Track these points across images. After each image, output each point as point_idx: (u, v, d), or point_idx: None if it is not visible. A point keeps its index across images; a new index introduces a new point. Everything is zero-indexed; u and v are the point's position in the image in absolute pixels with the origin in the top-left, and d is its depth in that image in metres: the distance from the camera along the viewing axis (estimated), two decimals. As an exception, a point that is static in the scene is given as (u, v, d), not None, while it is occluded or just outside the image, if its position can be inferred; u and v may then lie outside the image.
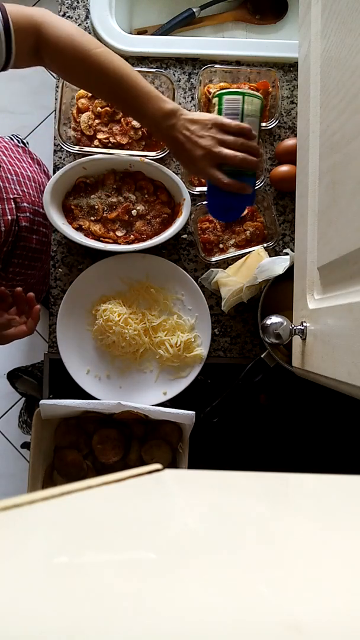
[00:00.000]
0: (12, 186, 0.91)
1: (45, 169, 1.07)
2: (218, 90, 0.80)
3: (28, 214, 0.93)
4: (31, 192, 0.95)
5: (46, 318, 0.98)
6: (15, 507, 0.26)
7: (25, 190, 0.94)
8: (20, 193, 0.92)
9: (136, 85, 0.71)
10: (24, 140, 1.05)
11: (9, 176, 0.91)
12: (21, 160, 0.98)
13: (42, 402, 0.84)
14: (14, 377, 1.13)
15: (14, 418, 1.66)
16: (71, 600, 0.18)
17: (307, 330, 0.55)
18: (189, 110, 0.96)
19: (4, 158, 0.93)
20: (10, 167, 0.93)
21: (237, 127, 0.72)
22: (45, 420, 0.86)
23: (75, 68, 0.72)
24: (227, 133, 0.72)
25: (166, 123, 0.72)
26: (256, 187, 0.91)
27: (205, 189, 0.92)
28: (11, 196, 0.90)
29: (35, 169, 1.01)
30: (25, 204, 0.92)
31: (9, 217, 0.89)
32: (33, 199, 0.95)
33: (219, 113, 0.75)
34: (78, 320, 0.93)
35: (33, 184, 0.97)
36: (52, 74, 0.95)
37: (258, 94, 0.77)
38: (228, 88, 0.93)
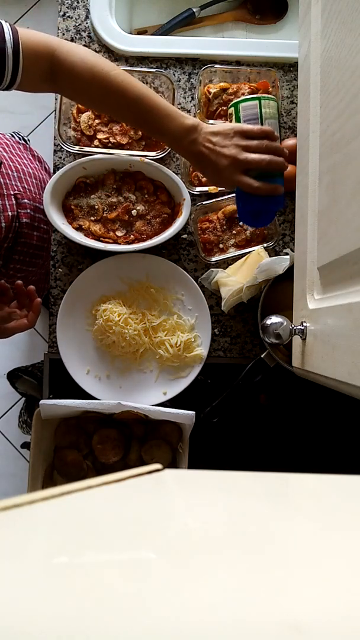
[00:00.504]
0: (13, 182, 0.91)
1: (47, 166, 1.07)
2: (233, 100, 0.79)
3: (29, 211, 0.93)
4: (32, 188, 0.95)
5: (46, 318, 0.98)
6: (15, 507, 0.26)
7: (26, 186, 0.94)
8: (21, 189, 0.92)
9: (156, 105, 0.71)
10: (25, 138, 1.06)
11: (10, 172, 0.91)
12: (22, 157, 0.98)
13: (42, 402, 0.84)
14: (14, 377, 1.13)
15: (14, 418, 1.66)
16: (71, 600, 0.18)
17: (307, 330, 0.55)
18: (189, 111, 0.96)
19: (5, 155, 0.93)
20: (11, 164, 0.93)
21: (260, 131, 0.72)
22: (45, 420, 0.86)
23: (93, 91, 0.72)
24: (250, 138, 0.72)
25: (188, 139, 0.72)
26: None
27: (205, 189, 0.92)
28: (12, 192, 0.90)
29: (36, 166, 1.01)
30: (26, 201, 0.92)
31: (10, 214, 0.89)
32: (34, 195, 0.95)
33: (237, 121, 0.75)
34: (78, 320, 0.93)
35: (34, 180, 0.97)
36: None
37: (272, 96, 0.77)
38: (228, 88, 0.93)
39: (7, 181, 0.90)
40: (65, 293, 0.92)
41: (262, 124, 0.74)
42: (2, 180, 0.89)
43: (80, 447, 0.87)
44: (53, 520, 0.27)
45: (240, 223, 0.92)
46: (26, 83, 0.70)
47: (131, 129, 0.91)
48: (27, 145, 1.04)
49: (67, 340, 0.91)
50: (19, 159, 0.96)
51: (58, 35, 0.97)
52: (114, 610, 0.17)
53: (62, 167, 0.91)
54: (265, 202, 0.73)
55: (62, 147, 0.94)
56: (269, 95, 0.76)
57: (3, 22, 0.67)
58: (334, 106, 0.48)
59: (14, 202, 0.91)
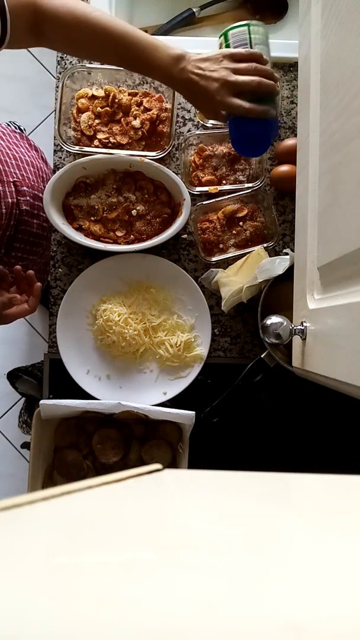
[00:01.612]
0: (11, 170, 0.91)
1: (43, 155, 1.07)
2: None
3: (28, 198, 0.93)
4: (30, 176, 0.95)
5: (46, 318, 0.98)
6: (15, 507, 0.26)
7: (24, 174, 0.94)
8: (20, 177, 0.92)
9: (141, 39, 0.71)
10: (21, 127, 1.06)
11: (8, 160, 0.91)
12: (19, 145, 0.98)
13: (42, 402, 0.84)
14: (14, 377, 1.13)
15: (14, 418, 1.66)
16: (71, 600, 0.18)
17: (307, 330, 0.55)
18: (189, 111, 0.96)
19: (2, 143, 0.93)
20: (8, 152, 0.93)
21: (248, 53, 0.71)
22: (45, 420, 0.86)
23: (77, 35, 0.72)
24: (239, 62, 0.71)
25: (177, 68, 0.71)
26: (256, 187, 0.92)
27: (205, 188, 0.92)
28: (11, 179, 0.90)
29: (33, 155, 1.01)
30: (25, 188, 0.92)
31: (10, 200, 0.89)
32: (32, 183, 0.95)
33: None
34: (78, 320, 0.93)
35: (32, 169, 0.97)
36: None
37: (261, 22, 0.75)
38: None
39: (6, 168, 0.90)
40: (65, 293, 0.92)
41: (252, 49, 0.73)
42: (0, 167, 0.89)
43: (80, 447, 0.87)
44: (53, 520, 0.27)
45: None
46: (14, 38, 0.69)
47: (131, 129, 0.91)
48: (24, 135, 1.04)
49: (67, 340, 0.91)
50: (15, 147, 0.96)
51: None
52: (114, 610, 0.17)
53: (62, 167, 0.91)
54: (259, 126, 0.72)
55: (62, 147, 0.94)
56: (259, 22, 0.75)
57: None
58: (334, 106, 0.48)
59: (13, 189, 0.91)
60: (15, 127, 1.04)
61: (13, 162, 0.92)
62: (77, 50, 0.78)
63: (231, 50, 0.72)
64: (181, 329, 0.91)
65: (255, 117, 0.71)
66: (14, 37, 0.69)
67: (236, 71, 0.70)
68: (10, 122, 1.04)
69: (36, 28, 0.71)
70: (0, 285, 0.85)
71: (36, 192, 0.96)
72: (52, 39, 0.74)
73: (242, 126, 0.73)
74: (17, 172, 0.92)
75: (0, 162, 0.89)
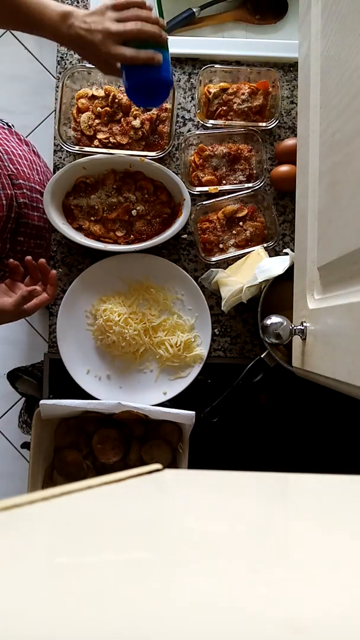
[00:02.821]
0: (5, 164, 0.91)
1: (35, 149, 1.07)
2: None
3: (25, 191, 0.93)
4: (25, 169, 0.95)
5: (46, 318, 0.98)
6: (15, 507, 0.26)
7: (18, 168, 0.94)
8: (14, 171, 0.92)
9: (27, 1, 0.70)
10: (9, 123, 1.06)
11: (0, 155, 0.92)
12: (9, 140, 0.98)
13: (42, 402, 0.84)
14: (14, 377, 1.13)
15: (14, 418, 1.66)
16: (71, 600, 0.18)
17: (307, 330, 0.55)
18: (189, 111, 0.96)
19: None
20: (14, 145, 0.93)
21: (127, 1, 0.71)
22: (45, 420, 0.86)
23: None
24: (121, 10, 0.71)
25: (65, 25, 0.71)
26: (256, 187, 0.91)
27: (205, 188, 0.92)
28: (6, 172, 0.91)
29: (25, 149, 1.01)
30: (21, 181, 0.92)
31: (8, 192, 0.89)
32: (28, 176, 0.95)
33: None
34: (78, 320, 0.93)
35: (25, 162, 0.97)
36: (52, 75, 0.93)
37: None
38: (228, 88, 0.93)
39: (1, 162, 0.90)
40: (65, 293, 0.92)
41: None
42: None
43: (80, 447, 0.87)
44: (53, 520, 0.27)
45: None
46: None
47: (131, 129, 0.91)
48: (12, 130, 1.04)
49: (67, 340, 0.91)
50: (6, 142, 0.96)
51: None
52: (114, 610, 0.17)
53: (62, 167, 0.91)
54: (148, 73, 0.71)
55: (62, 147, 0.94)
56: None
57: None
58: (334, 106, 0.48)
59: (10, 181, 0.91)
60: (3, 123, 1.04)
61: (5, 156, 0.92)
62: None
63: (113, 0, 0.71)
64: (181, 329, 0.91)
65: (142, 64, 0.71)
66: None
67: (118, 20, 0.70)
68: None
69: None
70: (14, 277, 0.85)
71: (32, 185, 0.95)
72: None
73: (132, 75, 0.72)
74: (11, 165, 0.92)
75: None
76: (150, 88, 0.74)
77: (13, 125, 1.06)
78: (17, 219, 0.93)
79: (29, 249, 0.99)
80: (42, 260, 0.84)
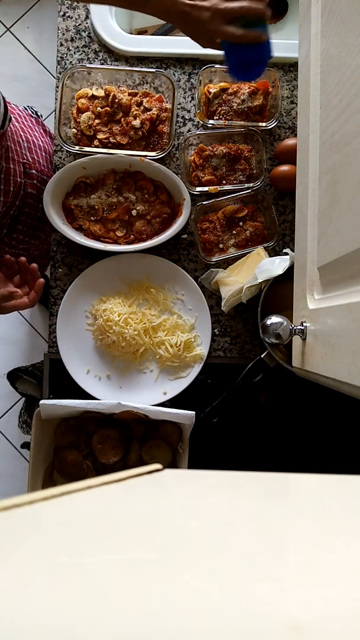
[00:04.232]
0: (22, 152, 0.92)
1: None
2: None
3: (35, 181, 0.94)
4: (41, 161, 0.96)
5: (46, 318, 0.99)
6: (15, 507, 0.26)
7: (35, 157, 0.94)
8: (30, 160, 0.93)
9: None
10: (38, 113, 1.06)
11: (20, 141, 0.92)
12: (33, 129, 0.99)
13: (42, 402, 0.84)
14: (14, 377, 1.13)
15: (14, 418, 1.66)
16: (71, 600, 0.18)
17: (307, 330, 0.55)
18: (189, 111, 0.96)
19: (17, 125, 0.93)
20: (21, 134, 0.94)
21: None
22: (45, 420, 0.86)
23: None
24: None
25: (170, 0, 0.72)
26: (256, 187, 0.92)
27: (205, 188, 0.92)
28: (21, 160, 0.91)
29: (47, 141, 1.02)
30: (33, 171, 0.93)
31: (18, 179, 0.90)
32: (42, 168, 0.96)
33: None
34: (78, 320, 0.93)
35: (44, 154, 0.97)
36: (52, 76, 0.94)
37: None
38: (227, 88, 0.93)
39: (17, 149, 0.91)
40: (65, 293, 0.92)
41: None
42: (13, 146, 0.89)
43: (80, 447, 0.87)
44: (53, 520, 0.27)
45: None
46: None
47: (131, 129, 0.91)
48: (40, 120, 1.05)
49: (67, 340, 0.91)
50: (30, 131, 0.96)
51: (58, 35, 0.97)
52: (114, 610, 0.17)
53: (62, 167, 0.91)
54: (253, 51, 0.74)
55: (62, 147, 0.94)
56: None
57: None
58: (334, 106, 0.48)
59: (23, 170, 0.91)
60: (32, 111, 1.04)
61: (25, 144, 0.93)
62: None
63: None
64: (181, 329, 0.91)
65: (249, 43, 0.73)
66: None
67: None
68: (27, 106, 1.05)
69: None
70: (6, 273, 0.85)
71: (45, 178, 0.96)
72: None
73: (237, 53, 0.75)
74: (28, 154, 0.93)
75: (12, 141, 0.89)
76: (252, 64, 0.77)
77: (42, 116, 1.07)
78: (21, 207, 0.93)
79: (26, 237, 0.99)
80: (34, 265, 0.85)
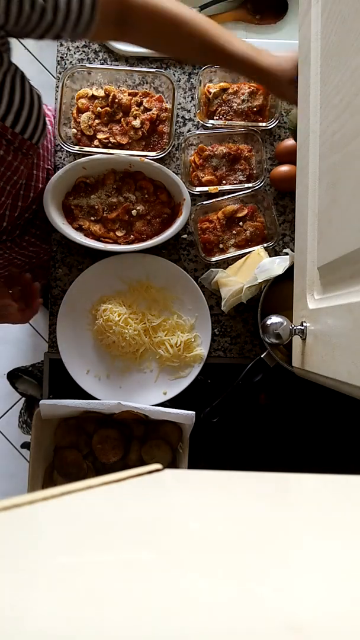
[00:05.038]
0: (49, 157, 0.92)
1: None
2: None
3: None
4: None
5: (46, 318, 0.98)
6: (15, 507, 0.26)
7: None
8: (51, 165, 0.93)
9: (228, 44, 0.73)
10: None
11: (50, 147, 0.93)
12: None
13: (42, 402, 0.84)
14: (14, 377, 1.13)
15: (14, 418, 1.66)
16: (71, 600, 0.18)
17: (307, 330, 0.55)
18: (189, 111, 0.96)
19: (50, 128, 0.93)
20: (52, 139, 0.94)
21: None
22: (45, 420, 0.86)
23: (164, 29, 0.72)
24: None
25: (257, 60, 0.75)
26: (256, 187, 0.92)
27: (205, 188, 0.92)
28: (47, 166, 0.91)
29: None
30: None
31: (40, 186, 0.90)
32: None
33: None
34: (78, 320, 0.93)
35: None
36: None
37: None
38: (228, 88, 0.93)
39: (46, 154, 0.91)
40: (65, 293, 0.92)
41: None
42: (42, 152, 0.89)
43: (80, 447, 0.87)
44: (53, 521, 0.27)
45: None
46: (99, 28, 0.69)
47: (131, 129, 0.91)
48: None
49: (67, 340, 0.91)
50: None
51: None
52: (114, 610, 0.17)
53: (62, 167, 0.91)
54: None
55: (62, 147, 0.94)
56: None
57: None
58: (334, 106, 0.48)
59: (46, 176, 0.91)
60: None
61: (53, 150, 0.94)
62: (160, 46, 0.78)
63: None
64: (181, 329, 0.91)
65: None
66: (100, 27, 0.68)
67: None
68: None
69: (122, 20, 0.70)
70: (10, 283, 0.86)
71: None
72: (137, 33, 0.73)
73: None
74: (52, 160, 0.93)
75: (43, 147, 0.89)
76: None
77: None
78: (37, 211, 0.93)
79: (37, 240, 0.98)
80: (37, 284, 0.86)
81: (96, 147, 0.92)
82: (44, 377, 0.94)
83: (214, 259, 0.92)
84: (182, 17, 0.71)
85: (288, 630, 0.15)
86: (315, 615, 0.17)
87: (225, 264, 0.93)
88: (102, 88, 0.93)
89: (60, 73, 0.96)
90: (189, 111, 0.96)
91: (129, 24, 0.71)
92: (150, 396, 0.90)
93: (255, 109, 0.92)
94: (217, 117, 0.94)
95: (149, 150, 0.92)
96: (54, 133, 0.92)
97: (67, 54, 0.97)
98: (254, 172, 0.93)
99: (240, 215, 0.92)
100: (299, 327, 0.56)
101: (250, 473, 0.35)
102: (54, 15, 0.64)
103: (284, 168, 0.91)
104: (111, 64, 0.96)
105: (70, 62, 0.97)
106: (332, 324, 0.46)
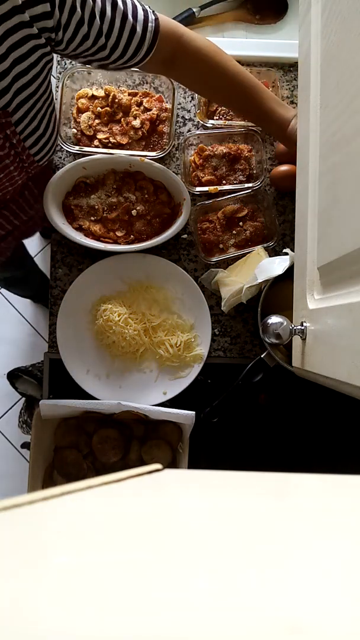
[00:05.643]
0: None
1: None
2: None
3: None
4: None
5: (46, 318, 0.98)
6: (15, 507, 0.26)
7: None
8: None
9: (263, 94, 0.79)
10: None
11: None
12: None
13: (42, 402, 0.84)
14: (14, 377, 1.13)
15: (14, 418, 1.66)
16: (71, 600, 0.18)
17: (307, 330, 0.55)
18: (189, 111, 0.96)
19: None
20: None
21: None
22: (45, 420, 0.86)
23: (209, 78, 0.77)
24: None
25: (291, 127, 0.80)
26: (256, 187, 0.92)
27: (205, 188, 0.92)
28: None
29: None
30: None
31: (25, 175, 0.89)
32: None
33: None
34: (78, 320, 0.92)
35: None
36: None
37: None
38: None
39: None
40: (65, 293, 0.92)
41: None
42: None
43: (80, 447, 0.87)
44: (53, 520, 0.27)
45: None
46: (151, 61, 0.73)
47: (131, 129, 0.91)
48: None
49: (67, 340, 0.91)
50: None
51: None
52: (114, 610, 0.17)
53: (62, 167, 0.91)
54: None
55: (62, 147, 0.94)
56: None
57: (148, 8, 0.71)
58: (334, 106, 0.48)
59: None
60: None
61: None
62: (201, 90, 0.84)
63: None
64: (181, 328, 0.91)
65: None
66: (152, 60, 0.73)
67: None
68: None
69: (172, 59, 0.75)
70: None
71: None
72: (184, 74, 0.79)
73: None
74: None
75: None
76: None
77: None
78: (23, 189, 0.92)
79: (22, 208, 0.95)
80: None
81: (96, 147, 0.92)
82: (44, 377, 0.94)
83: (214, 259, 0.92)
84: (226, 69, 0.76)
85: (288, 631, 0.15)
86: (315, 615, 0.17)
87: (225, 264, 0.93)
88: (102, 88, 0.93)
89: (60, 73, 0.96)
90: (189, 111, 0.96)
91: (176, 65, 0.76)
92: (150, 396, 0.90)
93: (255, 109, 0.92)
94: (217, 117, 0.93)
95: (149, 150, 0.92)
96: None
97: (67, 54, 0.97)
98: (254, 172, 0.93)
99: (240, 215, 0.92)
100: (299, 327, 0.56)
101: (250, 473, 0.35)
102: (110, 52, 0.69)
103: (284, 168, 0.91)
104: (111, 64, 0.96)
105: (70, 62, 0.97)
106: (332, 324, 0.46)
